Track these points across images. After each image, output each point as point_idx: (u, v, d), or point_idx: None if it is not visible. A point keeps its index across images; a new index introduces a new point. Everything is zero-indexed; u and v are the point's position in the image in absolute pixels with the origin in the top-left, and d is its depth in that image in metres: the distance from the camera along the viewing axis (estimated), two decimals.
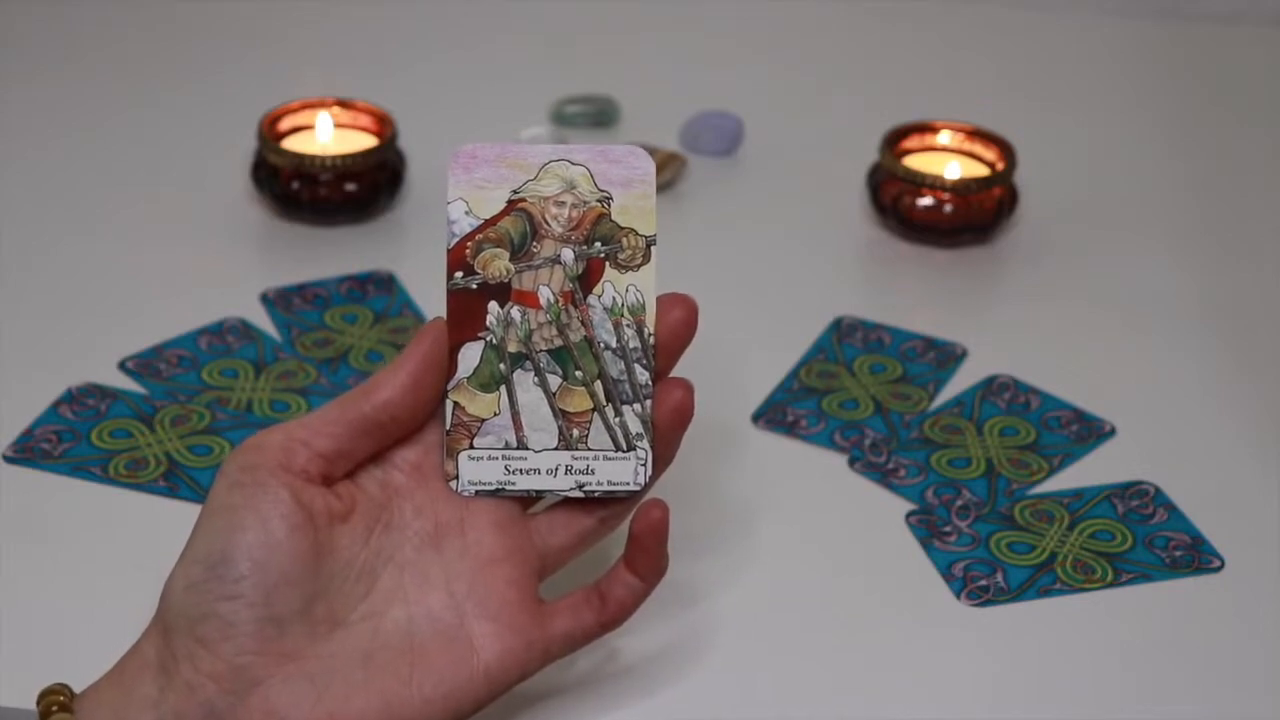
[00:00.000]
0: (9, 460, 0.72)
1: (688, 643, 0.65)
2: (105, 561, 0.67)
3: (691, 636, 0.65)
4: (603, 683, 0.63)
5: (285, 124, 0.91)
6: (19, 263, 0.86)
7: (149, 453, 0.73)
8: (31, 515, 0.70)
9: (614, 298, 0.57)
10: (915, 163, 0.90)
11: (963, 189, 0.88)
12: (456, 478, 0.57)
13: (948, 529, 0.71)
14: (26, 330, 0.81)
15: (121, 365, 0.78)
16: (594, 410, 0.57)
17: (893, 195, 0.90)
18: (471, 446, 0.57)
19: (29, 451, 0.73)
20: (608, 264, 0.57)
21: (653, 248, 0.57)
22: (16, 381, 0.77)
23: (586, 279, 0.57)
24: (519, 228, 0.57)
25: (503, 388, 0.57)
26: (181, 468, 0.72)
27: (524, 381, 0.57)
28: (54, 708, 0.53)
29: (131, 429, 0.74)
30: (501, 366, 0.57)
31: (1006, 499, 0.73)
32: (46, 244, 0.88)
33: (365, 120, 0.92)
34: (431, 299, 0.84)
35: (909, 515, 0.72)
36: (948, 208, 0.89)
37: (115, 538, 0.69)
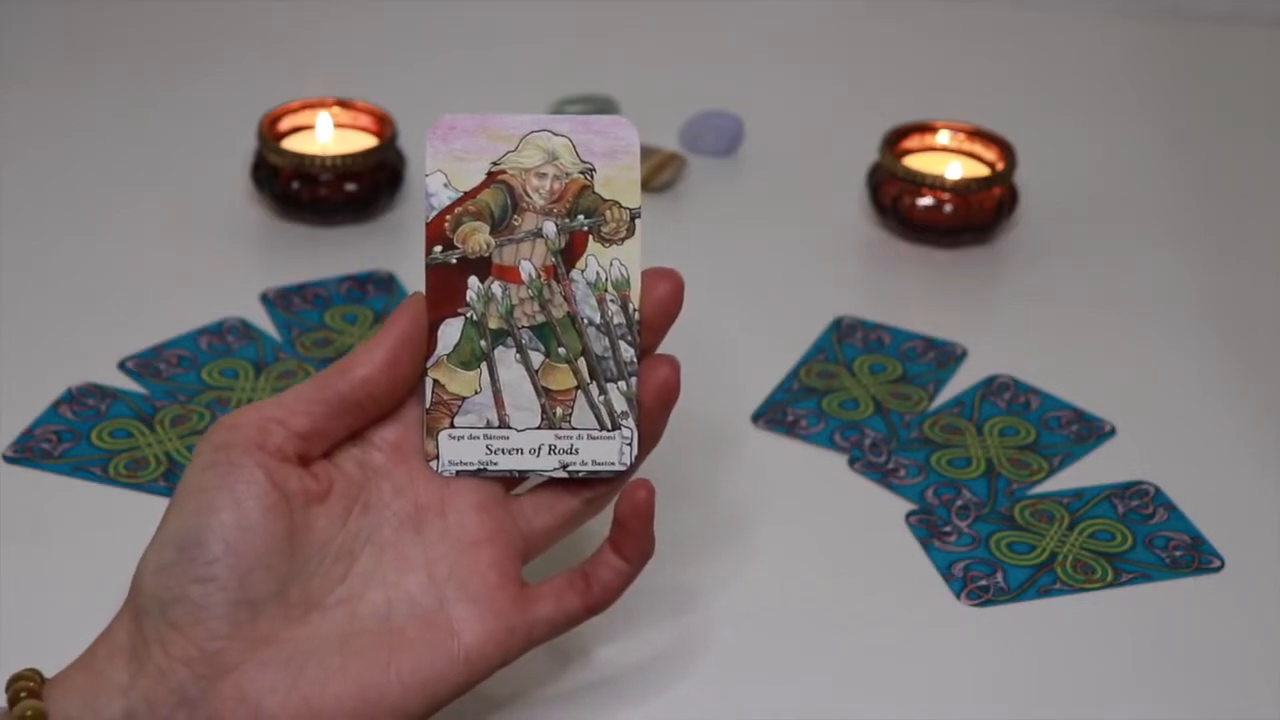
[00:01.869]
0: (9, 460, 0.72)
1: (685, 642, 0.65)
2: (105, 561, 0.67)
3: (689, 636, 0.65)
4: (601, 684, 0.63)
5: (285, 124, 0.91)
6: (19, 263, 0.86)
7: (149, 453, 0.73)
8: (31, 515, 0.70)
9: (598, 272, 0.56)
10: (915, 163, 0.90)
11: (963, 189, 0.88)
12: (437, 457, 0.56)
13: (948, 529, 0.71)
14: (26, 330, 0.81)
15: (121, 365, 0.78)
16: (578, 388, 0.56)
17: (893, 195, 0.90)
18: (452, 425, 0.56)
19: (29, 451, 0.73)
20: (591, 237, 0.56)
21: (637, 220, 0.56)
22: (16, 381, 0.77)
23: (569, 253, 0.56)
24: (499, 200, 0.56)
25: (484, 365, 0.56)
26: (181, 468, 0.72)
27: (505, 359, 0.56)
28: (22, 694, 0.52)
29: (131, 429, 0.74)
30: (482, 343, 0.56)
31: (1006, 499, 0.73)
32: (46, 244, 0.88)
33: (365, 120, 0.92)
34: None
35: (909, 515, 0.72)
36: (948, 208, 0.89)
37: (115, 538, 0.68)
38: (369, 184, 0.89)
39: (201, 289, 0.84)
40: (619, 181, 0.56)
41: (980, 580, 0.68)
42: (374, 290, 0.85)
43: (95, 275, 0.85)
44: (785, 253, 0.90)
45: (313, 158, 0.88)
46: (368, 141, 0.91)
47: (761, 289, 0.87)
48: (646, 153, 0.93)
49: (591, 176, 0.56)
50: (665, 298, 0.56)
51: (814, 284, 0.87)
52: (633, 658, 0.64)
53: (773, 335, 0.83)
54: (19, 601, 0.65)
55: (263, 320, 0.82)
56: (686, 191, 0.95)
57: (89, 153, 0.96)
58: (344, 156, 0.88)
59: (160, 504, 0.70)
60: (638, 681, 0.63)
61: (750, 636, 0.65)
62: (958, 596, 0.68)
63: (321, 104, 0.92)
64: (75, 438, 0.73)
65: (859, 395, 0.79)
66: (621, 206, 0.56)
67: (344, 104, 0.92)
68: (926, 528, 0.71)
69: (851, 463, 0.75)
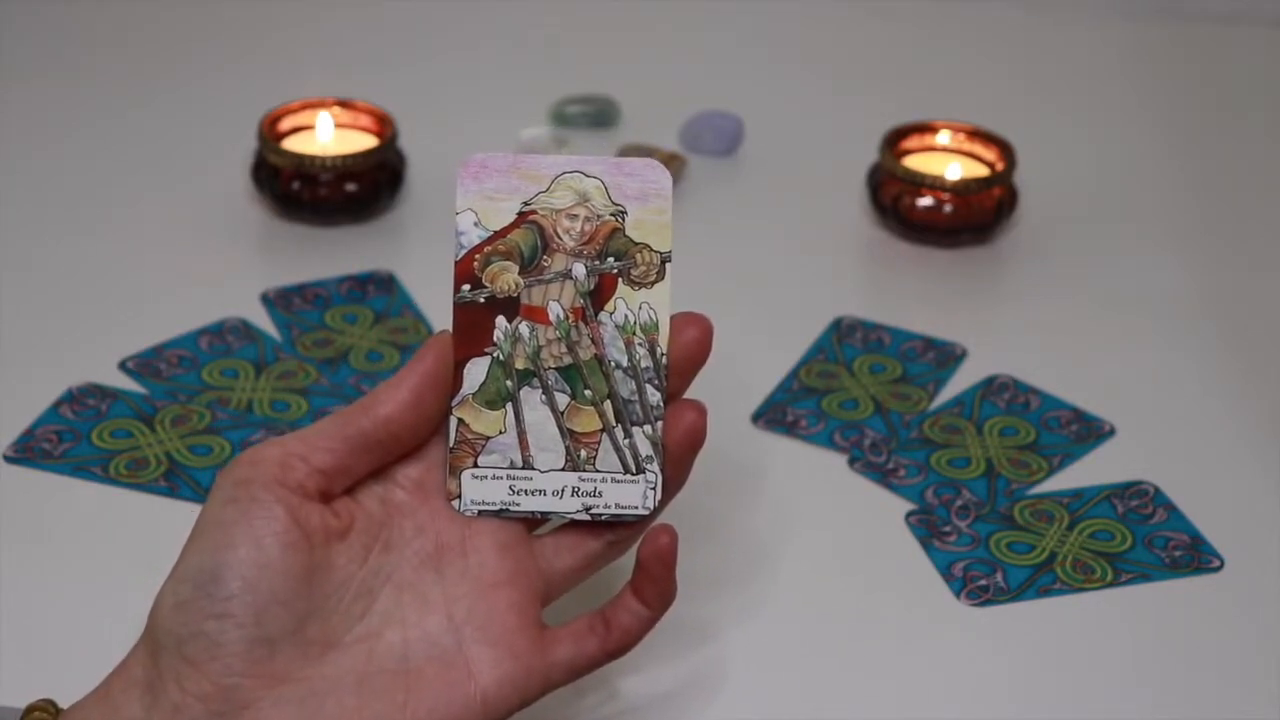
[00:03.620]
0: (9, 460, 0.72)
1: (682, 641, 0.65)
2: (105, 561, 0.67)
3: (687, 635, 0.65)
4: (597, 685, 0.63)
5: (285, 124, 0.91)
6: (19, 263, 0.86)
7: (149, 453, 0.73)
8: (31, 515, 0.70)
9: (626, 315, 0.56)
10: (915, 163, 0.90)
11: (962, 189, 0.88)
12: (459, 497, 0.56)
13: (947, 529, 0.71)
14: (26, 330, 0.81)
15: (122, 365, 0.78)
16: (603, 431, 0.56)
17: (893, 195, 0.90)
18: (475, 465, 0.56)
19: (29, 451, 0.73)
20: (620, 280, 0.56)
21: (667, 264, 0.56)
22: (16, 381, 0.77)
23: (598, 295, 0.56)
24: (529, 241, 0.56)
25: (509, 405, 0.56)
26: (182, 468, 0.72)
27: (531, 399, 0.56)
28: None
29: (132, 429, 0.74)
30: (508, 383, 0.56)
31: (1006, 499, 0.73)
32: (46, 244, 0.88)
33: (365, 120, 0.92)
34: (431, 299, 0.84)
35: (909, 515, 0.72)
36: (948, 208, 0.89)
37: (115, 538, 0.69)
38: (369, 184, 0.89)
39: (201, 289, 0.84)
40: (650, 225, 0.56)
41: (980, 580, 0.68)
42: (374, 290, 0.85)
43: (95, 275, 0.85)
44: (785, 253, 0.90)
45: (313, 158, 0.88)
46: (368, 141, 0.91)
47: (761, 289, 0.87)
48: (646, 153, 0.93)
49: (623, 219, 0.56)
50: (693, 342, 0.56)
51: (814, 284, 0.87)
52: (632, 658, 0.64)
53: (773, 335, 0.83)
54: (19, 602, 0.65)
55: (263, 320, 0.82)
56: (686, 191, 0.95)
57: (89, 153, 0.96)
58: (344, 156, 0.88)
59: (160, 503, 0.71)
60: (634, 679, 0.63)
61: (747, 636, 0.65)
62: (957, 596, 0.68)
63: (321, 104, 0.92)
64: (76, 438, 0.73)
65: (859, 395, 0.79)
66: (652, 250, 0.56)
67: (344, 104, 0.92)
68: (926, 528, 0.71)
69: (851, 463, 0.75)
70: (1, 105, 1.01)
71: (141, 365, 0.78)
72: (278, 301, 0.83)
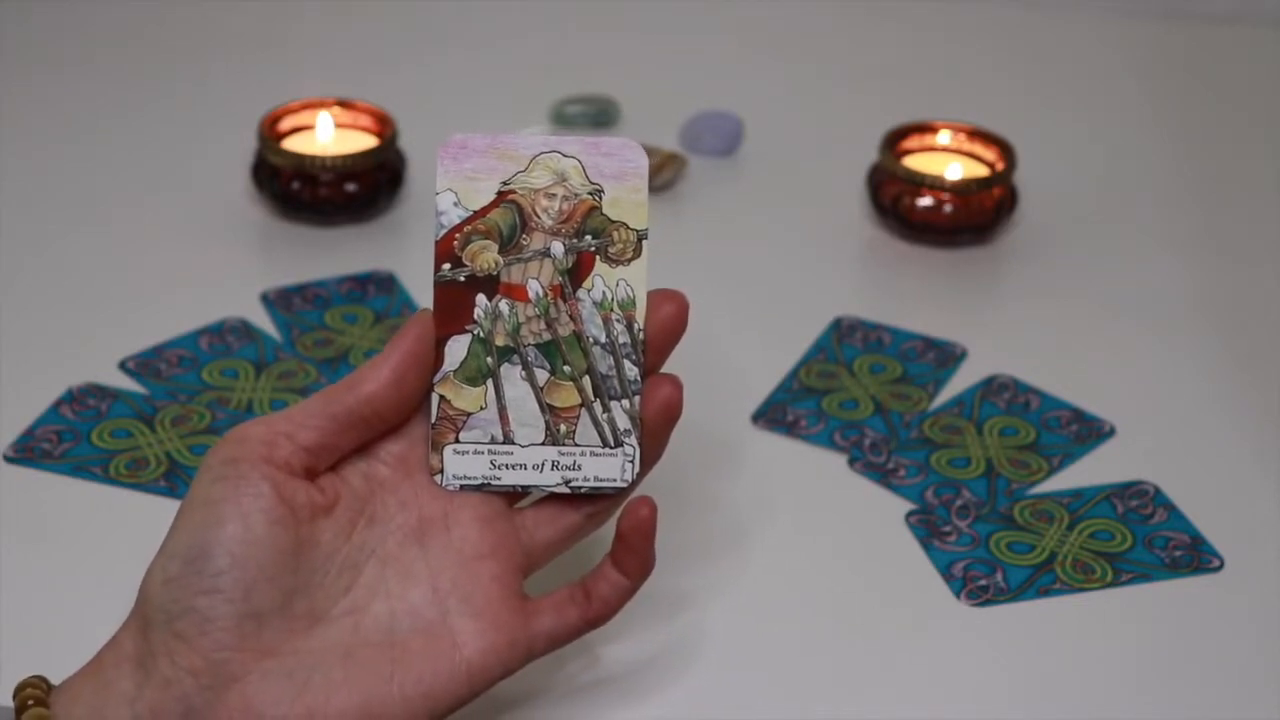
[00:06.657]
0: (9, 460, 0.72)
1: (685, 642, 0.65)
2: (105, 561, 0.67)
3: (689, 636, 0.65)
4: (601, 684, 0.63)
5: (285, 124, 0.91)
6: (19, 263, 0.86)
7: (149, 453, 0.73)
8: (31, 515, 0.70)
9: (604, 292, 0.57)
10: (915, 163, 0.90)
11: (962, 189, 0.88)
12: (441, 472, 0.57)
13: (947, 529, 0.71)
14: (26, 330, 0.81)
15: (122, 365, 0.78)
16: (582, 406, 0.57)
17: (893, 195, 0.90)
18: (457, 441, 0.57)
19: (29, 451, 0.73)
20: (598, 258, 0.57)
21: (644, 242, 0.57)
22: (17, 381, 0.77)
23: (576, 273, 0.57)
24: (508, 220, 0.57)
25: (489, 382, 0.57)
26: (182, 468, 0.72)
27: (511, 376, 0.57)
28: (30, 701, 0.53)
29: (132, 429, 0.74)
30: (489, 360, 0.57)
31: (1006, 499, 0.73)
32: (46, 244, 0.88)
33: (365, 120, 0.92)
34: (431, 299, 0.84)
35: (909, 515, 0.72)
36: (947, 208, 0.89)
37: (115, 538, 0.69)
38: (369, 184, 0.89)
39: (201, 289, 0.84)
40: (626, 203, 0.57)
41: (980, 580, 0.68)
42: (374, 290, 0.85)
43: (95, 275, 0.85)
44: (785, 253, 0.90)
45: (313, 158, 0.88)
46: (368, 141, 0.91)
47: (761, 289, 0.87)
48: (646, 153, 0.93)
49: (600, 198, 0.57)
50: (669, 318, 0.57)
51: (814, 284, 0.88)
52: (634, 658, 0.64)
53: (773, 335, 0.83)
54: (19, 602, 0.65)
55: (263, 320, 0.82)
56: (686, 191, 0.95)
57: (89, 153, 0.96)
58: (344, 157, 0.88)
59: (160, 503, 0.71)
60: (640, 681, 0.63)
61: (750, 636, 0.65)
62: (957, 596, 0.68)
63: (321, 104, 0.92)
64: (76, 438, 0.73)
65: (859, 395, 0.79)
66: (629, 228, 0.57)
67: (344, 104, 0.92)
68: (926, 528, 0.71)
69: (851, 463, 0.75)
70: (2, 105, 1.01)
71: (141, 365, 0.78)
72: (278, 301, 0.83)
